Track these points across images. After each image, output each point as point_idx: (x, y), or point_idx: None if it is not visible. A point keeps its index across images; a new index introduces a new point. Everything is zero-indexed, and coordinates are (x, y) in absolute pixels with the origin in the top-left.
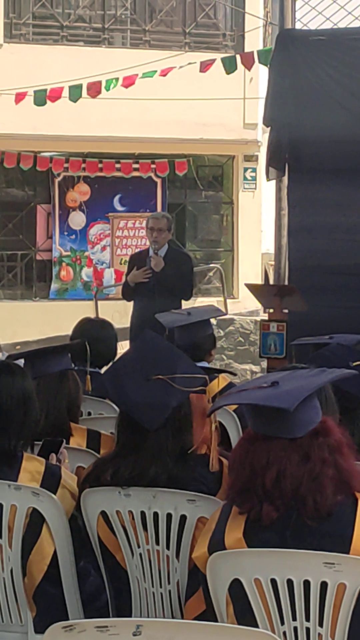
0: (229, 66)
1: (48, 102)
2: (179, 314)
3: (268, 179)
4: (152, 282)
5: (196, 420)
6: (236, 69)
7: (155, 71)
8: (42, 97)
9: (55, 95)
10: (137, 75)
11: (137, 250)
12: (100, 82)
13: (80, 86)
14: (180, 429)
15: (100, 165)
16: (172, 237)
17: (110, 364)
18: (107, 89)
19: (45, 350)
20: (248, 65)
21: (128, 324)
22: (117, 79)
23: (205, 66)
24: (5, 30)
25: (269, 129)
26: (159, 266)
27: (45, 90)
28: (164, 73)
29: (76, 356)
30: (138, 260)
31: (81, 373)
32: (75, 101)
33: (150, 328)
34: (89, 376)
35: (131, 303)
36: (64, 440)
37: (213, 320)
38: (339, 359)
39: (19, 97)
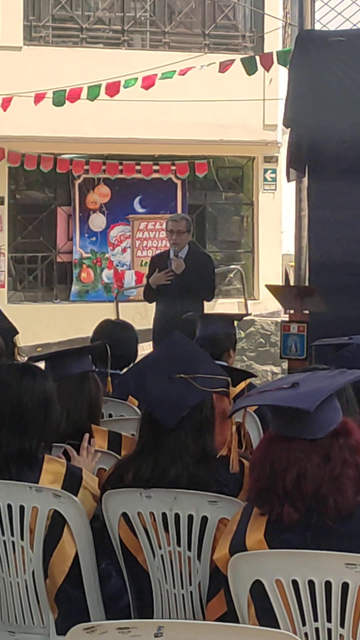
0: (250, 67)
1: (68, 104)
2: None
3: (289, 180)
4: (174, 284)
5: (218, 421)
6: (257, 70)
7: (175, 71)
8: (61, 98)
9: (74, 95)
10: (156, 76)
11: (158, 252)
12: (119, 82)
13: (99, 86)
14: (201, 431)
15: (120, 167)
16: (193, 239)
17: (132, 365)
18: (126, 87)
19: (65, 352)
20: (267, 66)
21: (149, 326)
22: (136, 79)
23: (224, 67)
24: (25, 32)
25: (289, 130)
26: (179, 268)
27: (64, 90)
28: (183, 72)
29: (97, 358)
30: (159, 262)
31: (102, 375)
32: (92, 99)
33: (173, 329)
34: (109, 378)
35: (152, 305)
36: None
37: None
38: (359, 360)
39: (38, 98)
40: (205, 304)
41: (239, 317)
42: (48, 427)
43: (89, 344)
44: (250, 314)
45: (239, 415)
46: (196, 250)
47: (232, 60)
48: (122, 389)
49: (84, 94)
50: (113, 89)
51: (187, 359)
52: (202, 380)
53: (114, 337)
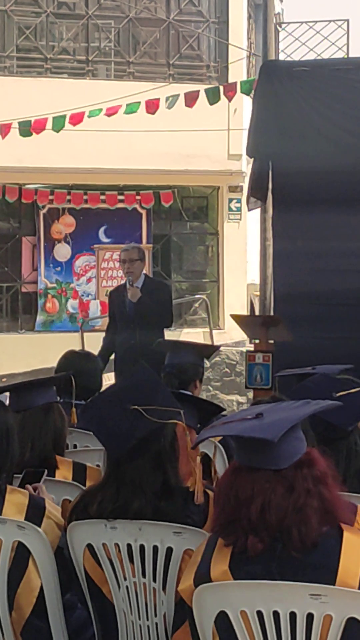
0: (212, 97)
1: (33, 134)
2: None
3: (248, 209)
4: (131, 313)
5: (182, 453)
6: (219, 99)
7: (139, 103)
8: (27, 129)
9: (40, 127)
10: (120, 106)
11: (123, 282)
12: (83, 113)
13: (63, 117)
14: (159, 461)
15: (85, 197)
16: (157, 268)
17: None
18: (90, 116)
19: (30, 383)
20: (230, 96)
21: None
22: (100, 110)
23: (190, 100)
24: None
25: (252, 159)
26: (135, 297)
27: (30, 121)
28: (151, 110)
29: (61, 389)
30: (116, 295)
31: (66, 406)
32: (57, 131)
33: (132, 358)
34: (74, 409)
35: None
36: (46, 471)
37: None
38: (322, 390)
39: (5, 131)
40: (170, 333)
41: (210, 352)
42: (9, 459)
43: (53, 374)
44: (219, 347)
45: (206, 446)
46: (152, 279)
47: (197, 93)
48: (82, 419)
49: (49, 125)
50: (77, 119)
51: (143, 391)
52: (154, 411)
53: (78, 367)
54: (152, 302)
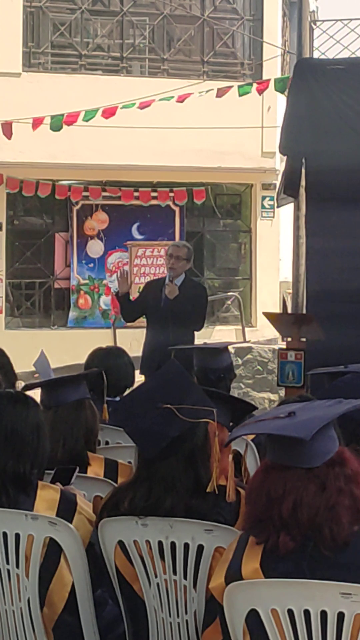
0: (242, 90)
1: (66, 130)
2: None
3: (278, 205)
4: (166, 309)
5: (219, 451)
6: (249, 92)
7: (173, 95)
8: (58, 123)
9: (72, 120)
10: (153, 99)
11: (158, 277)
12: (116, 108)
13: (96, 110)
14: (192, 460)
15: (118, 194)
16: (191, 266)
17: (128, 391)
18: (123, 108)
19: (62, 379)
20: (260, 90)
21: None
22: (133, 103)
23: (222, 92)
24: (24, 59)
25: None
26: (173, 294)
27: (61, 116)
28: (181, 99)
29: (93, 385)
30: (154, 286)
31: (98, 402)
32: (88, 120)
33: (161, 356)
34: (105, 405)
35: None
36: (77, 468)
37: (231, 349)
38: (353, 389)
39: (36, 124)
40: (202, 330)
41: (228, 343)
42: (40, 454)
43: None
44: (248, 341)
45: (239, 444)
46: (192, 280)
47: (230, 86)
48: (115, 418)
49: (80, 118)
50: (109, 112)
51: (175, 389)
52: (187, 410)
53: (108, 364)
54: (187, 303)
